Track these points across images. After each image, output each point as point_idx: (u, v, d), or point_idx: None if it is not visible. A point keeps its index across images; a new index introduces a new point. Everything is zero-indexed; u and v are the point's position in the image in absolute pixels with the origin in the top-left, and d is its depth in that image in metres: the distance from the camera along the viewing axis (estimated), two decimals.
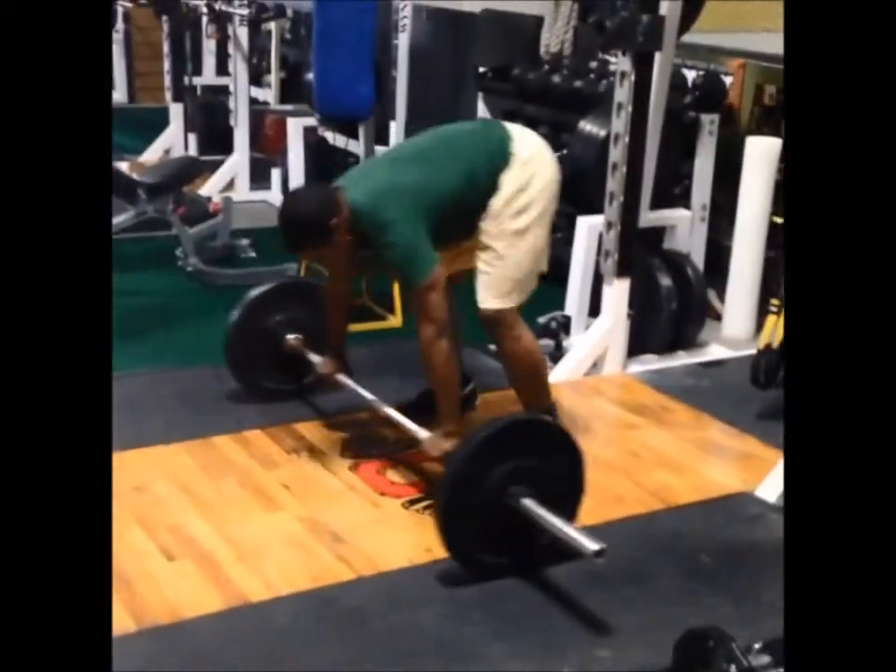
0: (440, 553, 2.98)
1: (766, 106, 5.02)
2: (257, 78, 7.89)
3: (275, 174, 7.20)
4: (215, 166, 7.18)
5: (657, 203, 4.62)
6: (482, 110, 6.16)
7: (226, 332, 3.92)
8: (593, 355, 4.40)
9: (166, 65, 8.00)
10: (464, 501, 2.81)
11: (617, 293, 4.34)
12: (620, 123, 4.16)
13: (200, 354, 4.44)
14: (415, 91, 7.15)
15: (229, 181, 7.26)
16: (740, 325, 4.80)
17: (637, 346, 4.52)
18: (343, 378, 3.71)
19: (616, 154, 4.21)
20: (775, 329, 3.90)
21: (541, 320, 4.46)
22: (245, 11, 7.21)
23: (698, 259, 4.83)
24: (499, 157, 3.29)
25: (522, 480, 2.82)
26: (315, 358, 3.80)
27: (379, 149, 5.12)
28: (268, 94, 7.99)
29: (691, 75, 5.12)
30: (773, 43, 4.97)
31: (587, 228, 4.50)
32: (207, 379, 4.17)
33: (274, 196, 7.17)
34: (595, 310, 4.50)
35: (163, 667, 2.53)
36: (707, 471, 3.63)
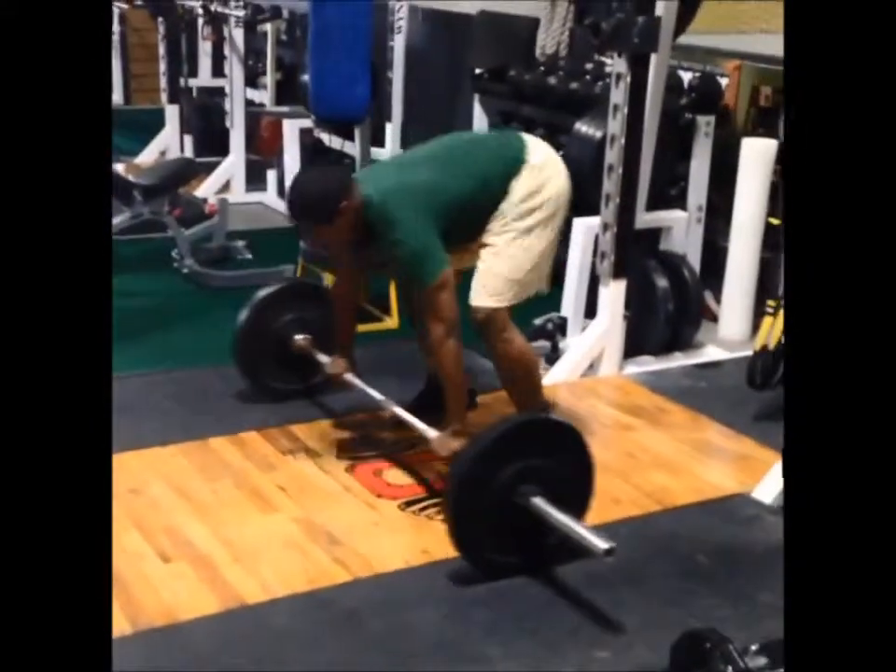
0: (436, 554, 2.98)
1: (762, 108, 5.02)
2: (252, 80, 7.89)
3: (271, 175, 7.20)
4: (210, 168, 7.18)
5: (653, 205, 4.62)
6: (477, 111, 6.16)
7: (234, 333, 3.93)
8: (589, 356, 4.40)
9: (162, 67, 8.00)
10: (473, 500, 2.82)
11: (613, 294, 4.34)
12: (616, 125, 4.16)
13: (196, 355, 4.44)
14: (411, 93, 7.16)
15: (224, 183, 7.25)
16: (736, 326, 4.81)
17: (633, 348, 4.52)
18: (351, 378, 3.72)
19: (612, 155, 4.21)
20: (771, 331, 3.90)
21: (538, 321, 4.46)
22: (241, 13, 7.21)
23: (694, 260, 4.83)
24: (513, 163, 3.34)
25: (531, 479, 2.84)
26: (323, 358, 3.82)
27: (375, 151, 5.12)
28: (264, 96, 7.99)
29: (687, 76, 5.11)
30: (769, 44, 4.99)
31: (583, 229, 4.50)
32: (203, 380, 4.16)
33: (270, 198, 7.17)
34: (591, 311, 4.50)
35: (159, 670, 2.53)
36: (703, 473, 3.63)
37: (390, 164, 3.80)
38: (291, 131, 6.75)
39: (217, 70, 8.36)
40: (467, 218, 3.31)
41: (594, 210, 4.36)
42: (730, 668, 2.03)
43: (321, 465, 3.53)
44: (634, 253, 4.41)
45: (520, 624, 2.72)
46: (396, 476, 3.48)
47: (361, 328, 4.73)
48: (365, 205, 3.21)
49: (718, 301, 4.92)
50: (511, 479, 2.82)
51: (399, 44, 7.08)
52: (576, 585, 2.87)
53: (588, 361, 4.40)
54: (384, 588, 2.87)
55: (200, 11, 7.71)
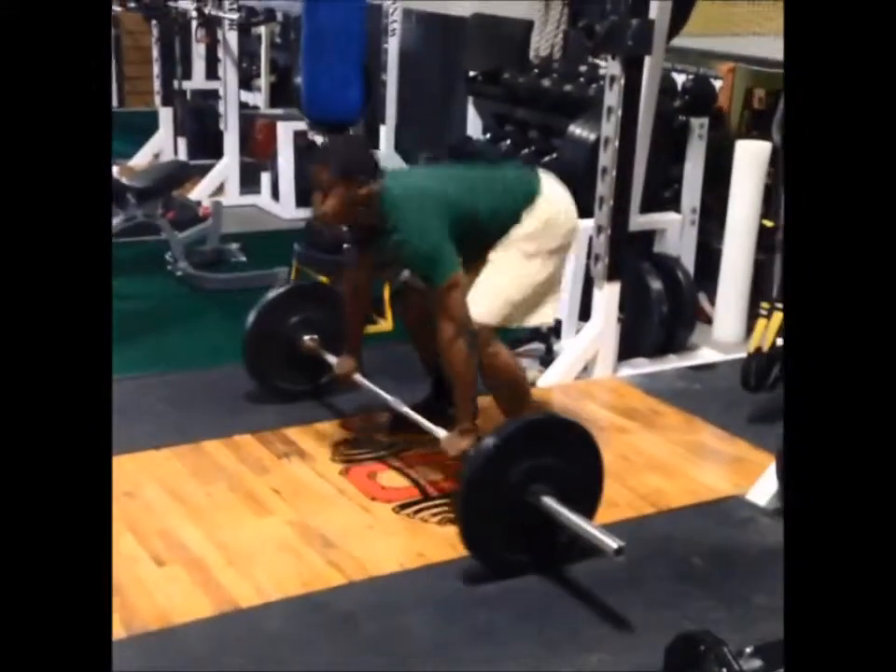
0: (431, 557, 2.98)
1: (756, 110, 5.03)
2: (246, 82, 7.89)
3: (265, 178, 7.19)
4: (204, 170, 7.16)
5: (647, 207, 4.63)
6: (471, 114, 6.16)
7: (243, 335, 3.94)
8: (583, 358, 4.40)
9: (156, 69, 7.99)
10: (484, 499, 2.84)
11: (607, 297, 4.34)
12: (609, 127, 4.16)
13: (190, 358, 4.43)
14: (405, 95, 7.16)
15: (218, 185, 7.24)
16: (731, 328, 4.81)
17: (627, 350, 4.52)
18: (359, 378, 3.73)
19: (606, 158, 4.21)
20: (765, 333, 3.91)
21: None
22: (235, 15, 7.20)
23: (688, 262, 4.84)
24: (529, 195, 3.43)
25: (542, 478, 2.86)
26: (331, 359, 3.82)
27: None
28: (258, 98, 7.99)
29: (680, 78, 5.12)
30: (762, 46, 5.00)
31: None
32: (197, 383, 4.16)
33: (264, 201, 7.16)
34: (585, 314, 4.50)
35: None
36: (698, 475, 3.63)
37: (413, 170, 3.89)
38: (285, 133, 6.75)
39: (211, 73, 8.34)
40: (476, 239, 3.36)
41: (587, 212, 4.37)
42: (724, 671, 2.03)
43: (315, 468, 3.53)
44: (628, 255, 4.41)
45: (514, 627, 2.72)
46: (390, 479, 3.47)
47: None
48: (383, 194, 3.26)
49: (712, 303, 4.93)
50: (523, 478, 2.84)
51: (392, 46, 7.08)
52: (571, 588, 2.87)
53: (582, 363, 4.41)
54: (378, 591, 2.87)
55: (194, 14, 7.69)
